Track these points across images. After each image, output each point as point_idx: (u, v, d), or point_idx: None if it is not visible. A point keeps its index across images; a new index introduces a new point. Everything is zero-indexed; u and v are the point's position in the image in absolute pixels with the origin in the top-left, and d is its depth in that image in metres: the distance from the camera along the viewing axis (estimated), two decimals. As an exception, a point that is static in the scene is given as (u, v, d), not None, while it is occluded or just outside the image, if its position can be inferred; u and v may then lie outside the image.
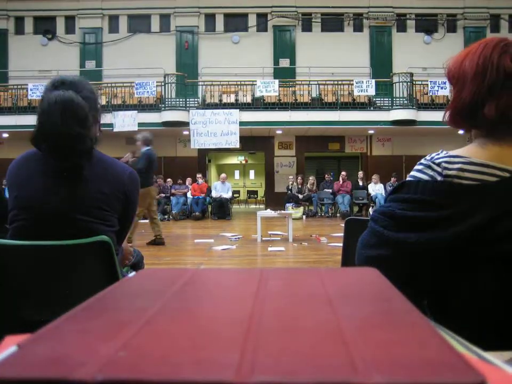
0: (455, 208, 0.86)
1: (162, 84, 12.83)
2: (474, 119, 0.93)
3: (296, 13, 14.98)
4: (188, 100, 12.98)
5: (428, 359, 0.27)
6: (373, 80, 12.56)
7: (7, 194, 2.07)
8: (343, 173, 12.57)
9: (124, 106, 12.67)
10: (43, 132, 1.24)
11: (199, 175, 12.18)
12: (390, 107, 12.83)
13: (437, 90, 12.08)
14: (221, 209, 11.51)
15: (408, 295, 0.41)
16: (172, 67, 14.48)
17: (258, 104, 13.00)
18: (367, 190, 12.23)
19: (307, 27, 15.26)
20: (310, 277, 0.51)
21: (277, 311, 0.38)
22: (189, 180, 12.34)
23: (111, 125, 12.01)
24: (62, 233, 1.24)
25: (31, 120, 11.93)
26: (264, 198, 15.78)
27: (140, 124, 12.03)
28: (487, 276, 0.89)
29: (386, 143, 14.66)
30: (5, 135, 13.57)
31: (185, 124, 12.32)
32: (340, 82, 13.01)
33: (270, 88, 12.32)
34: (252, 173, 21.31)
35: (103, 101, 12.96)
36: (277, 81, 12.57)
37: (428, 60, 14.06)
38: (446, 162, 0.92)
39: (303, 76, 14.14)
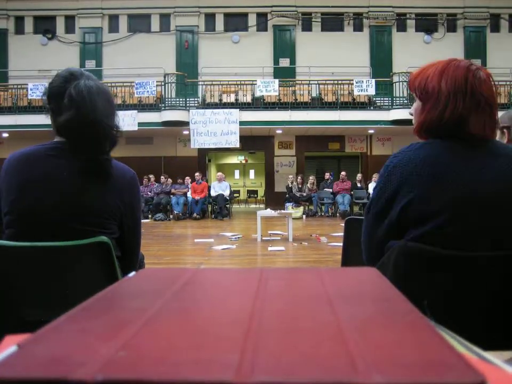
0: None
1: (162, 83, 12.83)
2: (441, 132, 1.02)
3: (296, 12, 14.98)
4: (187, 99, 12.98)
5: (428, 359, 0.27)
6: (373, 80, 12.56)
7: None
8: (343, 172, 12.58)
9: (124, 106, 12.66)
10: (74, 121, 1.16)
11: (197, 174, 12.03)
12: (390, 107, 12.83)
13: (437, 90, 12.06)
14: (220, 209, 11.49)
15: (409, 294, 0.41)
16: (171, 67, 14.48)
17: (258, 103, 13.00)
18: (367, 190, 12.23)
19: (307, 27, 15.26)
20: (310, 276, 0.51)
21: (277, 311, 0.38)
22: (187, 180, 12.32)
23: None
24: (60, 235, 1.20)
25: (31, 120, 12.01)
26: (264, 198, 15.78)
27: (140, 124, 12.03)
28: (487, 276, 0.89)
29: (386, 142, 14.66)
30: (5, 135, 13.57)
31: (185, 124, 12.32)
32: (339, 82, 13.01)
33: (270, 88, 12.31)
34: (252, 172, 21.31)
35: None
36: (277, 80, 12.57)
37: (428, 60, 13.76)
38: None
39: (303, 76, 14.14)
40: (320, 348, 0.29)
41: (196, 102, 13.41)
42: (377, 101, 13.49)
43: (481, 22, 14.98)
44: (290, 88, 13.23)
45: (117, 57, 14.65)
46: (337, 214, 11.89)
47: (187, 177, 12.32)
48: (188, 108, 12.72)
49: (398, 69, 13.85)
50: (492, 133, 1.01)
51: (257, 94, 12.66)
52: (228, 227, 9.25)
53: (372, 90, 12.33)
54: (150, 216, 11.46)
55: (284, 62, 14.98)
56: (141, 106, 12.65)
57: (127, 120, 11.97)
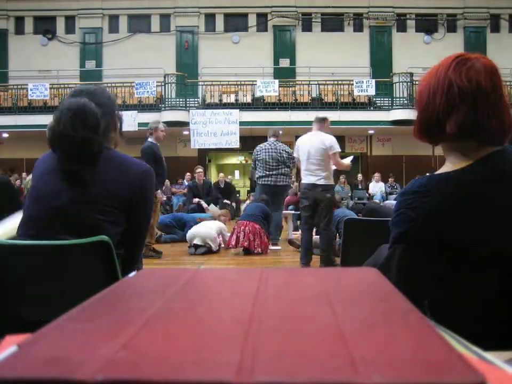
0: None
1: (162, 83, 12.83)
2: (437, 135, 1.01)
3: (296, 13, 14.98)
4: (188, 99, 12.98)
5: (428, 359, 0.27)
6: (373, 80, 12.56)
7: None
8: (342, 175, 12.60)
9: (124, 106, 12.66)
10: (53, 136, 1.31)
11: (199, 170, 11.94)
12: (390, 107, 12.83)
13: (437, 90, 12.07)
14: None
15: (410, 294, 0.41)
16: (172, 67, 14.48)
17: (258, 104, 13.00)
18: (367, 191, 12.22)
19: (307, 27, 15.26)
20: (310, 277, 0.51)
21: (277, 311, 0.38)
22: (188, 176, 12.30)
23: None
24: (67, 226, 1.28)
25: (31, 120, 12.00)
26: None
27: (140, 124, 12.02)
28: (487, 276, 0.89)
29: (386, 143, 14.66)
30: (5, 135, 13.57)
31: (185, 124, 12.31)
32: (339, 82, 13.01)
33: (270, 88, 12.31)
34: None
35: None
36: (277, 81, 12.57)
37: (428, 60, 14.00)
38: None
39: (303, 76, 14.13)
40: (320, 348, 0.29)
41: (196, 102, 13.41)
42: (377, 101, 13.49)
43: (481, 22, 14.99)
44: (290, 88, 13.24)
45: (117, 58, 14.65)
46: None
47: (188, 173, 12.34)
48: (188, 108, 12.72)
49: (398, 69, 13.85)
50: (502, 125, 0.93)
51: (257, 94, 12.67)
52: (228, 227, 9.23)
53: (372, 91, 12.33)
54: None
55: (284, 63, 14.98)
56: (141, 107, 12.65)
57: (127, 121, 11.96)
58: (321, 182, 4.38)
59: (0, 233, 1.51)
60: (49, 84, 12.61)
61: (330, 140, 4.32)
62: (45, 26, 15.09)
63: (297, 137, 16.26)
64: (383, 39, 15.08)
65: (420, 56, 14.26)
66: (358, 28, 15.22)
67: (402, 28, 15.24)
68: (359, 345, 0.29)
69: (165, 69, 13.64)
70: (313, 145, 4.36)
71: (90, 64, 14.92)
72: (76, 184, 1.33)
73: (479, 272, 0.89)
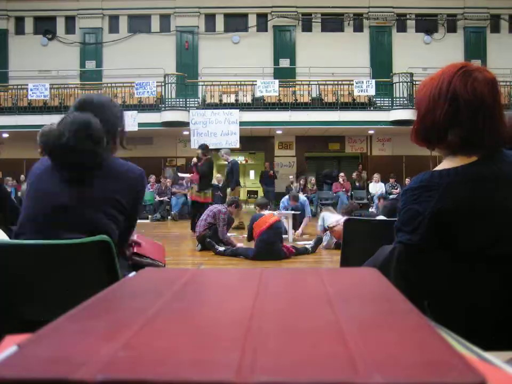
0: None
1: (162, 84, 12.83)
2: (436, 142, 1.02)
3: (296, 13, 14.98)
4: (188, 100, 12.98)
5: (428, 359, 0.27)
6: (373, 80, 12.56)
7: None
8: (341, 174, 12.62)
9: (124, 106, 12.64)
10: (54, 147, 1.36)
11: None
12: (390, 107, 12.82)
13: (437, 91, 12.06)
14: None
15: (416, 294, 0.41)
16: (172, 67, 14.47)
17: (258, 104, 12.99)
18: (367, 190, 12.22)
19: (307, 27, 15.25)
20: (310, 277, 0.51)
21: (277, 311, 0.38)
22: (188, 177, 12.34)
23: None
24: (68, 226, 1.31)
25: (31, 120, 11.99)
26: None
27: (140, 124, 12.03)
28: (488, 276, 0.89)
29: (386, 143, 14.65)
30: (5, 135, 13.57)
31: (185, 124, 12.31)
32: (339, 82, 13.01)
33: (270, 88, 12.31)
34: (252, 173, 21.29)
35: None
36: (277, 81, 12.57)
37: (427, 60, 14.04)
38: None
39: (303, 76, 14.13)
40: (320, 348, 0.29)
41: (196, 102, 13.40)
42: (377, 102, 13.49)
43: (481, 23, 14.98)
44: (290, 88, 13.23)
45: (117, 58, 14.64)
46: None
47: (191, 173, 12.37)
48: (188, 108, 12.72)
49: (398, 69, 13.84)
50: (494, 137, 0.95)
51: (257, 94, 12.66)
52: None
53: (372, 91, 12.33)
54: (149, 216, 11.46)
55: (284, 63, 14.98)
56: (141, 107, 12.65)
57: (127, 121, 11.89)
58: None
59: None
60: (49, 84, 12.61)
61: None
62: (45, 26, 15.08)
63: (297, 137, 16.26)
64: (383, 39, 15.07)
65: (420, 56, 14.27)
66: (358, 28, 15.21)
67: (402, 28, 15.24)
68: (359, 345, 0.29)
69: (165, 69, 13.63)
70: None
71: (90, 64, 14.92)
72: (76, 184, 1.38)
73: (482, 272, 0.89)
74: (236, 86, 13.14)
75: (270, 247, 5.06)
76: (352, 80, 12.49)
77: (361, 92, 12.33)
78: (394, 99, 12.87)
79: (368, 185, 12.49)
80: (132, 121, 11.95)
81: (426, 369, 0.26)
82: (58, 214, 1.34)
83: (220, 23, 15.16)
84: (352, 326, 0.33)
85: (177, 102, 12.90)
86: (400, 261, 0.97)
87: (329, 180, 13.03)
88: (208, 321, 0.36)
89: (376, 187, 11.99)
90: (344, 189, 12.18)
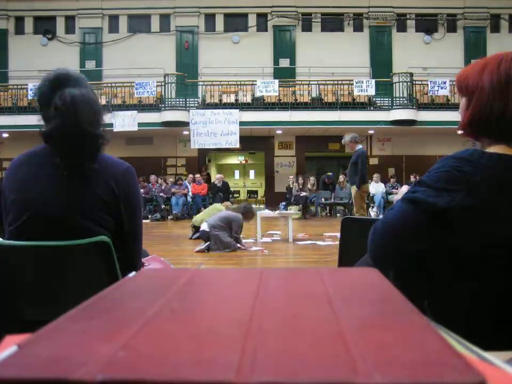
0: None
1: (162, 83, 12.83)
2: (495, 130, 0.94)
3: (296, 13, 14.97)
4: (188, 99, 12.98)
5: (428, 359, 0.27)
6: (373, 80, 12.56)
7: None
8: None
9: (124, 106, 12.66)
10: (58, 131, 1.21)
11: (197, 176, 12.27)
12: (390, 107, 12.82)
13: (437, 90, 12.08)
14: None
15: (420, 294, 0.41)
16: (172, 67, 14.47)
17: (258, 104, 12.99)
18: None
19: (307, 27, 15.25)
20: (310, 277, 0.51)
21: (277, 311, 0.38)
22: (190, 177, 12.40)
23: (111, 125, 12.01)
24: (61, 237, 1.21)
25: (31, 120, 11.97)
26: (264, 198, 15.78)
27: (140, 124, 12.03)
28: (488, 276, 0.89)
29: (386, 143, 14.65)
30: (5, 135, 13.56)
31: (185, 124, 12.31)
32: (339, 82, 13.01)
33: (270, 88, 12.31)
34: (252, 173, 21.30)
35: (103, 101, 12.97)
36: (276, 81, 12.57)
37: (428, 60, 14.06)
38: None
39: (303, 76, 14.13)
40: (320, 348, 0.29)
41: (196, 102, 13.41)
42: (377, 101, 13.49)
43: (481, 23, 14.98)
44: (290, 88, 13.23)
45: (117, 58, 14.64)
46: (338, 214, 11.94)
47: (190, 175, 12.48)
48: (188, 108, 12.72)
49: (398, 69, 13.84)
50: None
51: (257, 94, 12.66)
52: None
53: (371, 91, 12.33)
54: (149, 216, 11.47)
55: (284, 63, 14.98)
56: (141, 107, 12.65)
57: (127, 121, 11.97)
58: None
59: None
60: (49, 84, 12.60)
61: None
62: (45, 26, 15.08)
63: (297, 137, 16.23)
64: (383, 39, 15.07)
65: (420, 56, 14.27)
66: (358, 28, 15.21)
67: (402, 28, 15.23)
68: (359, 345, 0.29)
69: (165, 69, 13.64)
70: None
71: (90, 64, 14.91)
72: (72, 187, 1.25)
73: (482, 272, 0.89)
74: (236, 86, 13.14)
75: None
76: (352, 80, 12.49)
77: (361, 91, 12.32)
78: (394, 99, 12.87)
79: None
80: (132, 121, 11.95)
81: (426, 369, 0.26)
82: (48, 226, 1.22)
83: (219, 23, 15.16)
84: (352, 326, 0.33)
85: (177, 102, 12.90)
86: (400, 261, 0.97)
87: (329, 184, 13.05)
88: (208, 321, 0.36)
89: (376, 187, 11.98)
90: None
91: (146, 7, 14.91)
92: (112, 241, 1.25)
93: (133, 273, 0.52)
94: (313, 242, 6.75)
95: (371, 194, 11.89)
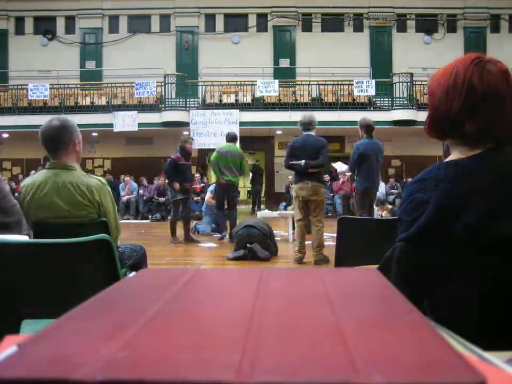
0: None
1: (163, 84, 12.83)
2: (450, 133, 1.01)
3: (296, 13, 14.98)
4: (188, 100, 12.98)
5: (428, 359, 0.27)
6: (373, 80, 12.56)
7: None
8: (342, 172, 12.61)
9: (124, 107, 12.66)
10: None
11: (197, 175, 12.26)
12: (390, 107, 12.83)
13: (437, 91, 12.06)
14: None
15: (415, 294, 0.41)
16: (172, 67, 14.47)
17: (259, 104, 12.99)
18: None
19: (307, 27, 15.25)
20: (310, 277, 0.51)
21: (277, 311, 0.38)
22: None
23: (111, 125, 12.01)
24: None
25: (31, 120, 12.00)
26: (264, 198, 15.78)
27: (140, 124, 12.03)
28: (488, 276, 0.89)
29: (386, 143, 14.62)
30: (5, 135, 13.57)
31: (185, 124, 12.31)
32: (339, 82, 13.01)
33: (270, 88, 12.31)
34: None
35: (103, 101, 12.97)
36: (277, 81, 12.57)
37: (427, 60, 14.05)
38: None
39: (303, 76, 14.13)
40: (320, 348, 0.29)
41: (196, 102, 13.41)
42: (377, 102, 13.49)
43: (481, 23, 14.98)
44: (290, 88, 13.24)
45: (117, 58, 14.65)
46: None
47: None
48: (188, 109, 12.72)
49: (398, 69, 13.85)
50: (506, 130, 0.95)
51: (257, 94, 12.67)
52: (228, 227, 9.22)
53: (372, 91, 12.33)
54: (149, 216, 11.46)
55: (284, 63, 14.98)
56: (141, 107, 12.65)
57: (127, 121, 11.98)
58: None
59: None
60: (49, 84, 12.62)
61: None
62: (45, 27, 15.09)
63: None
64: (383, 39, 15.07)
65: (420, 56, 14.27)
66: (358, 28, 15.21)
67: (402, 28, 15.24)
68: (359, 345, 0.29)
69: (165, 69, 13.64)
70: None
71: (90, 64, 14.92)
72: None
73: (482, 272, 0.89)
74: (236, 86, 13.14)
75: None
76: (352, 80, 12.50)
77: (361, 92, 12.33)
78: (394, 99, 12.87)
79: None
80: (132, 121, 11.96)
81: (426, 369, 0.26)
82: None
83: (219, 23, 15.16)
84: (352, 326, 0.33)
85: (177, 102, 12.90)
86: (400, 261, 0.97)
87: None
88: (208, 321, 0.36)
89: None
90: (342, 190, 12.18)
91: (146, 7, 14.91)
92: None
93: (133, 273, 0.52)
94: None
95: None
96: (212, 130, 12.09)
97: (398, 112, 12.40)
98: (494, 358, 0.35)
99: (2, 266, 1.21)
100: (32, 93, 12.35)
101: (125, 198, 11.91)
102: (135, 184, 12.38)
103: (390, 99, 13.03)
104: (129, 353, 0.28)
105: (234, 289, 0.47)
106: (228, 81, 13.04)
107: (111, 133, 12.23)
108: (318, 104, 13.02)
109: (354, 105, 12.84)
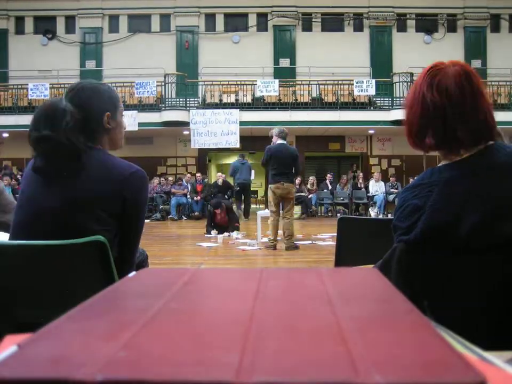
0: None
1: (163, 83, 12.82)
2: (422, 146, 1.03)
3: (296, 12, 14.97)
4: (188, 99, 12.98)
5: (428, 359, 0.27)
6: (373, 80, 12.56)
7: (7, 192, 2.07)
8: (344, 175, 12.69)
9: (124, 106, 12.59)
10: (29, 138, 1.28)
11: (198, 175, 12.29)
12: (390, 107, 12.82)
13: (437, 90, 12.07)
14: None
15: (413, 293, 0.41)
16: (172, 67, 14.47)
17: (259, 104, 12.99)
18: (367, 190, 12.22)
19: (307, 27, 15.24)
20: (310, 277, 0.51)
21: (277, 311, 0.38)
22: (188, 177, 12.42)
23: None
24: (56, 231, 1.23)
25: (31, 119, 12.00)
26: (264, 198, 15.78)
27: (140, 124, 12.03)
28: (488, 276, 0.89)
29: (386, 143, 14.65)
30: (5, 135, 13.56)
31: (186, 124, 12.31)
32: (340, 82, 13.01)
33: (270, 88, 12.31)
34: (252, 173, 21.29)
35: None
36: (277, 81, 12.56)
37: (428, 60, 13.76)
38: None
39: (303, 76, 14.12)
40: (320, 348, 0.29)
41: (196, 102, 13.40)
42: (377, 101, 13.49)
43: (481, 22, 14.97)
44: (291, 88, 13.23)
45: (117, 57, 14.64)
46: (338, 214, 11.96)
47: (188, 175, 12.50)
48: (188, 108, 12.72)
49: (398, 69, 13.83)
50: (471, 131, 0.95)
51: (258, 94, 12.66)
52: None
53: (372, 91, 12.32)
54: (150, 216, 11.47)
55: (284, 62, 14.97)
56: (141, 107, 12.64)
57: (128, 121, 11.95)
58: None
59: None
60: (50, 84, 12.61)
61: None
62: (45, 26, 15.07)
63: (297, 137, 16.20)
64: (383, 39, 15.06)
65: (420, 56, 14.23)
66: (358, 27, 15.20)
67: (402, 27, 15.23)
68: (359, 345, 0.29)
69: (165, 68, 13.63)
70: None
71: (91, 64, 14.91)
72: (57, 185, 1.28)
73: (481, 272, 0.89)
74: (236, 86, 13.14)
75: None
76: (352, 80, 12.49)
77: (361, 91, 12.32)
78: (394, 99, 12.86)
79: (367, 186, 12.46)
80: (132, 121, 11.95)
81: (426, 369, 0.26)
82: (41, 219, 1.26)
83: (220, 22, 15.15)
84: (352, 326, 0.33)
85: (177, 102, 12.89)
86: (400, 261, 0.97)
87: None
88: (209, 321, 0.36)
89: (376, 186, 11.92)
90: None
91: (146, 7, 14.90)
92: (111, 239, 1.26)
93: (133, 273, 0.52)
94: (314, 242, 6.75)
95: (371, 194, 11.88)
96: (212, 130, 12.09)
97: (398, 111, 12.37)
98: (494, 358, 0.35)
99: None
100: (32, 93, 12.35)
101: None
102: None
103: (390, 99, 13.02)
104: (129, 353, 0.29)
105: (234, 289, 0.47)
106: (228, 81, 13.03)
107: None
108: (318, 103, 13.02)
109: (355, 105, 12.84)
